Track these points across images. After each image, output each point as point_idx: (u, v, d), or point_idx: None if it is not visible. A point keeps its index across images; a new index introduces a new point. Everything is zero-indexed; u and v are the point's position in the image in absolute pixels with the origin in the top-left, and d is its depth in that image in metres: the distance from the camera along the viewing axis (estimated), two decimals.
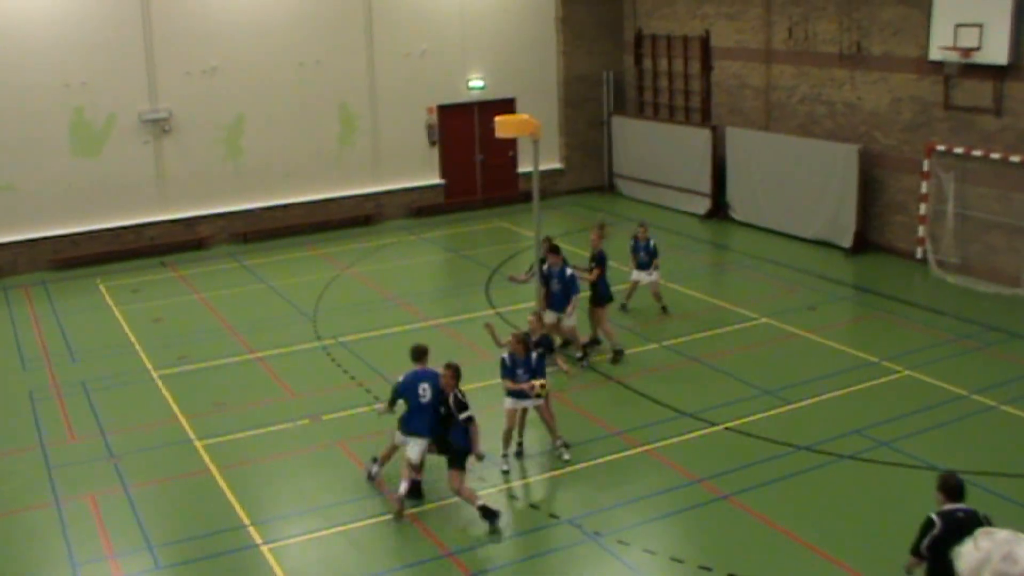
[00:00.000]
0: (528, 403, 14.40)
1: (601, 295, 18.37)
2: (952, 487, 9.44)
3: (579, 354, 18.00)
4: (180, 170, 26.58)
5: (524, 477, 14.36)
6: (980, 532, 4.58)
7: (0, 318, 21.91)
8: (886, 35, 23.55)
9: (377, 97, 28.67)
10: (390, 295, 22.48)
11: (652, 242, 20.31)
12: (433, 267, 25.95)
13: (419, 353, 13.74)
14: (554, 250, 17.74)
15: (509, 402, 14.45)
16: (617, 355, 18.13)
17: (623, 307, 20.51)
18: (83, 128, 25.37)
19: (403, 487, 13.25)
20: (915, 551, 9.34)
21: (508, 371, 14.31)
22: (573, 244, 25.99)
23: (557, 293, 17.62)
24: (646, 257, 20.28)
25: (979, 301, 20.81)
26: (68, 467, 14.95)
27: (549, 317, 17.45)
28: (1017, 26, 20.53)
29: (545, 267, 17.72)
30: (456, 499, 13.41)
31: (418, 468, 13.41)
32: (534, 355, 14.35)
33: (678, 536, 12.75)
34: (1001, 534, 7.30)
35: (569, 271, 17.59)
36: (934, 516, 9.29)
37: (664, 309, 20.43)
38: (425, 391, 13.25)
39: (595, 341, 18.58)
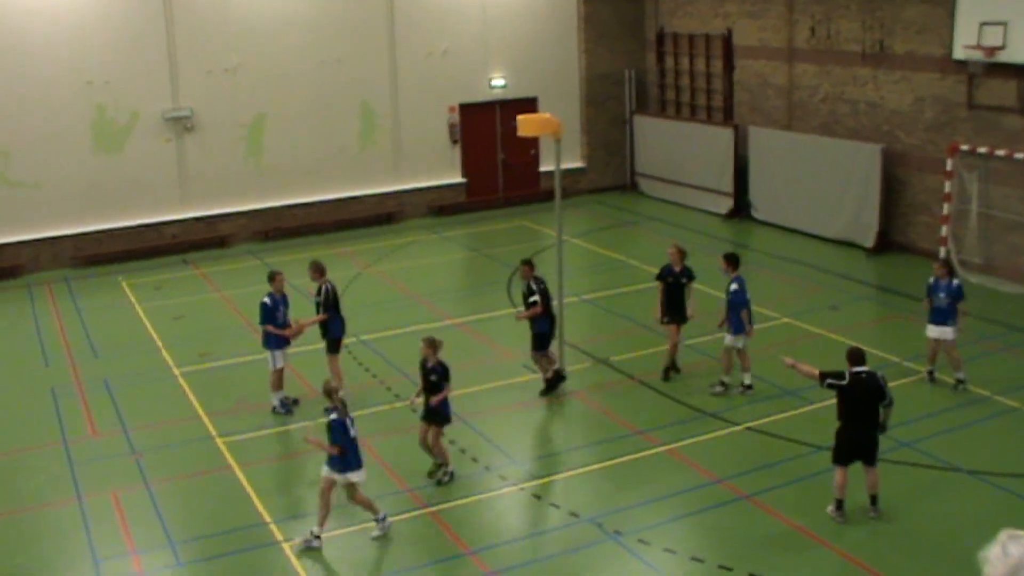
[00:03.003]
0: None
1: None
2: (858, 355, 12.71)
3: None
4: (202, 168, 26.67)
5: (545, 476, 14.34)
6: (1006, 536, 4.49)
7: (23, 315, 22.04)
8: (909, 34, 23.43)
9: (399, 96, 28.69)
10: (411, 293, 22.50)
11: (955, 282, 16.55)
12: (454, 266, 25.97)
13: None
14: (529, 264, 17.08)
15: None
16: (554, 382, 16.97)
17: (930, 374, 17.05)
18: (105, 126, 25.48)
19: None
20: (821, 376, 12.72)
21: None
22: (594, 243, 26.01)
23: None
24: (947, 302, 16.43)
25: (1002, 301, 20.69)
26: (90, 463, 15.02)
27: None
28: None
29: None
30: (477, 497, 13.45)
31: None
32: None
33: (699, 535, 12.72)
34: None
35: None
36: (847, 372, 12.56)
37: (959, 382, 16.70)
38: None
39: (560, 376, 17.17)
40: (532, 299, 16.52)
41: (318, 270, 16.79)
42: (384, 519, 12.76)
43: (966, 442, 14.75)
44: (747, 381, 16.62)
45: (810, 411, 15.88)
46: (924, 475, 13.92)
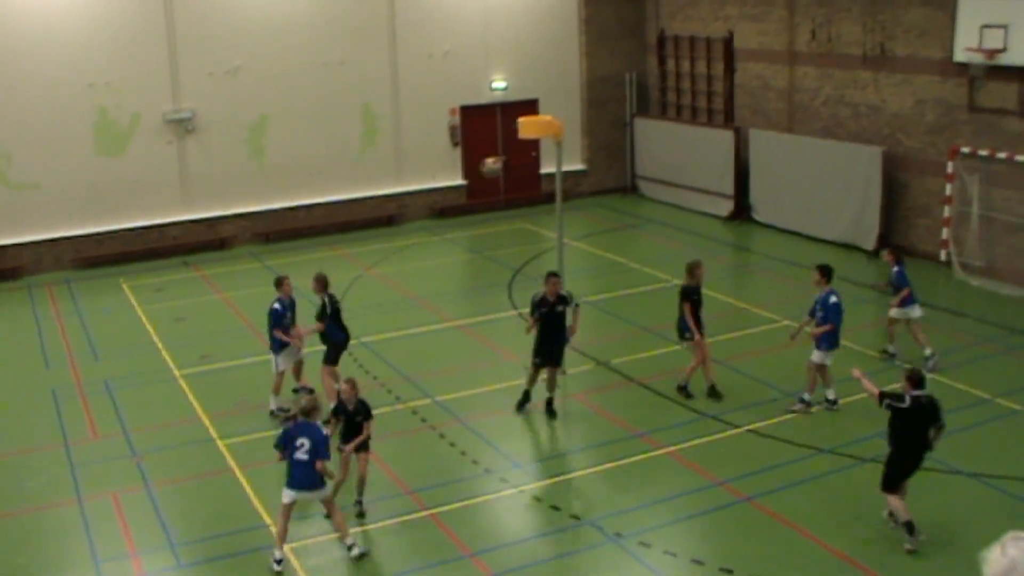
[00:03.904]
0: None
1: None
2: (918, 378, 12.28)
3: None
4: (203, 170, 26.68)
5: (546, 479, 14.33)
6: (1010, 537, 4.51)
7: (24, 317, 22.05)
8: (910, 37, 23.43)
9: (400, 98, 28.71)
10: (412, 295, 22.50)
11: (895, 269, 17.85)
12: (455, 268, 25.97)
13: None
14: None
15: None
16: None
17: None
18: (107, 128, 25.50)
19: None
20: (881, 396, 12.36)
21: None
22: (595, 246, 26.01)
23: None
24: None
25: (1003, 304, 20.68)
26: (91, 465, 15.03)
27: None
28: None
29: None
30: (478, 499, 13.48)
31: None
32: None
33: (700, 538, 12.72)
34: None
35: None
36: (907, 395, 12.17)
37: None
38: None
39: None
40: (566, 308, 16.13)
41: (319, 282, 16.72)
42: (280, 562, 12.28)
43: (967, 444, 14.73)
44: (831, 396, 16.03)
45: (811, 414, 15.87)
46: (925, 477, 13.87)
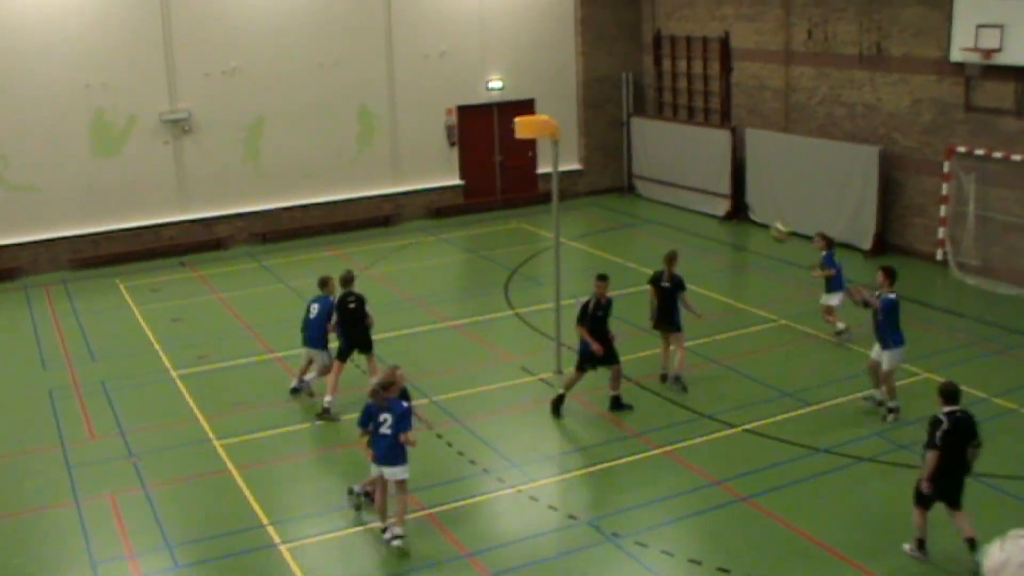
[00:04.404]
0: None
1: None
2: (952, 392, 11.57)
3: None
4: (200, 170, 26.68)
5: (543, 478, 14.33)
6: (1012, 533, 4.56)
7: (21, 318, 22.04)
8: (906, 36, 23.45)
9: (396, 98, 28.71)
10: (409, 296, 22.50)
11: (824, 253, 18.74)
12: (452, 268, 25.97)
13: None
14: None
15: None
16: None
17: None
18: (104, 129, 25.49)
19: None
20: (933, 444, 11.38)
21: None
22: (592, 246, 26.03)
23: None
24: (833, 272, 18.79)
25: (1000, 303, 20.71)
26: (88, 466, 15.02)
27: None
28: None
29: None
30: (475, 499, 13.49)
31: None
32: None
33: (697, 538, 12.73)
34: None
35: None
36: (941, 415, 11.43)
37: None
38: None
39: None
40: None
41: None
42: (385, 531, 12.66)
43: None
44: (879, 396, 15.80)
45: (808, 413, 15.91)
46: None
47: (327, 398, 16.23)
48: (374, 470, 12.73)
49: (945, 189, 22.59)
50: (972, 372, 16.97)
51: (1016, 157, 21.13)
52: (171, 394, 17.61)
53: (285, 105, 27.26)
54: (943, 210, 22.73)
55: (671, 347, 17.14)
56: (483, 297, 22.47)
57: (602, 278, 15.98)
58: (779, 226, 16.64)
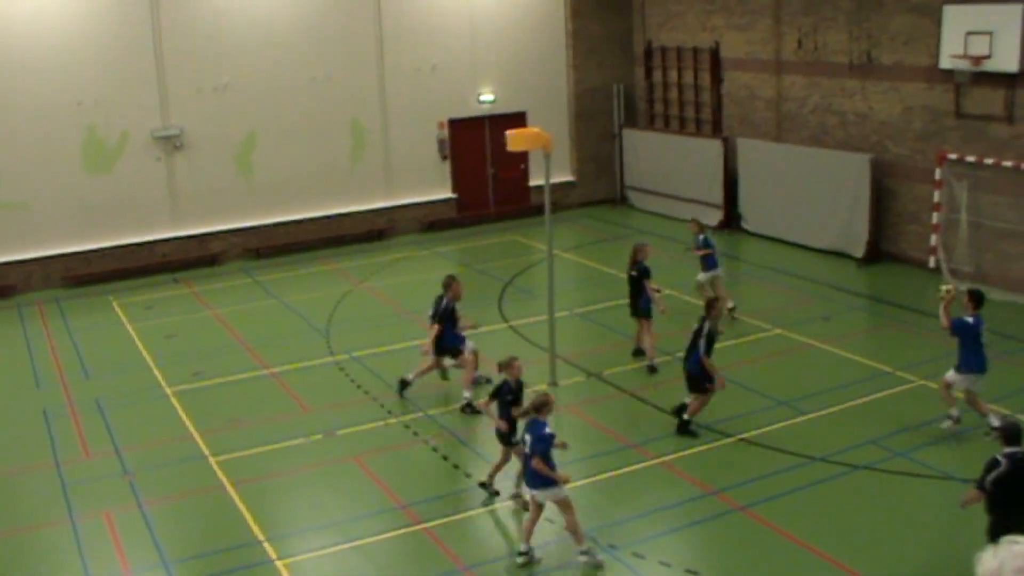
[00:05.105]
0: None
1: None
2: (1013, 434, 10.74)
3: None
4: (192, 187, 26.65)
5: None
6: (1006, 539, 4.57)
7: (14, 336, 21.99)
8: (896, 44, 23.52)
9: (388, 112, 28.72)
10: (403, 310, 22.49)
11: (701, 236, 20.47)
12: None
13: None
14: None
15: None
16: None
17: None
18: (96, 146, 25.47)
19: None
20: (979, 486, 10.61)
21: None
22: (585, 257, 26.03)
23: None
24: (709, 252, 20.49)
25: (993, 310, 20.64)
26: (83, 484, 14.97)
27: None
28: None
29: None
30: (471, 512, 13.45)
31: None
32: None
33: (694, 548, 12.72)
34: (1020, 546, 7.28)
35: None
36: (1000, 457, 10.58)
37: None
38: None
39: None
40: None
41: (445, 284, 17.38)
42: (522, 554, 12.43)
43: (960, 450, 14.76)
44: (954, 413, 15.33)
45: (803, 422, 15.90)
46: (919, 484, 13.93)
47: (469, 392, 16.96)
48: (525, 491, 12.73)
49: (937, 196, 22.62)
50: None
51: (1007, 163, 21.17)
52: (166, 411, 17.57)
53: (277, 120, 27.27)
54: (935, 217, 22.76)
55: (642, 332, 18.60)
56: (477, 310, 22.39)
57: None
58: (946, 290, 16.32)
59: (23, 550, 13.33)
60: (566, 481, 12.36)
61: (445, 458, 15.20)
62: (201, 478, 15.02)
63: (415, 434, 16.08)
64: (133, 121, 25.74)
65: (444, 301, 17.08)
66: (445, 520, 13.49)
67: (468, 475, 14.65)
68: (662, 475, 14.50)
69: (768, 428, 15.69)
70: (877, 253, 24.16)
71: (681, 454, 15.02)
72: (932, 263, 22.88)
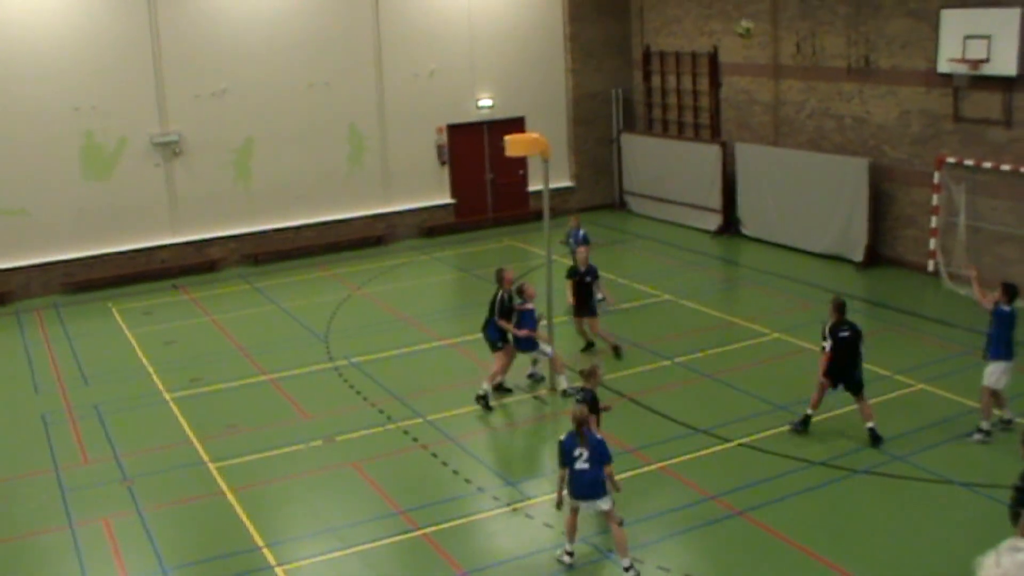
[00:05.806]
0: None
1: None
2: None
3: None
4: (191, 192, 26.67)
5: (538, 496, 14.29)
6: (1006, 546, 4.53)
7: (13, 342, 21.99)
8: (894, 48, 23.54)
9: (386, 117, 28.75)
10: (402, 315, 22.49)
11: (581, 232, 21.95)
12: (444, 286, 25.96)
13: None
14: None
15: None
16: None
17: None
18: (94, 152, 25.48)
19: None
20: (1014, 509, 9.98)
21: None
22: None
23: None
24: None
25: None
26: (82, 490, 14.97)
27: None
28: None
29: None
30: (471, 518, 13.44)
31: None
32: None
33: (693, 553, 12.70)
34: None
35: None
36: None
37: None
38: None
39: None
40: None
41: (497, 278, 17.69)
42: (570, 555, 12.41)
43: (958, 454, 14.75)
44: (1007, 415, 15.36)
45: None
46: (917, 488, 13.92)
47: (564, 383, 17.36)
48: (572, 503, 12.32)
49: (935, 200, 22.64)
50: (965, 382, 16.93)
51: (1005, 167, 21.20)
52: (165, 417, 17.56)
53: (275, 126, 27.29)
54: (934, 221, 22.78)
55: (585, 327, 19.28)
56: (476, 315, 22.35)
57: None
58: (744, 23, 16.82)
59: (22, 556, 13.32)
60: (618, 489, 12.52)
61: (445, 464, 15.19)
62: (200, 484, 15.01)
63: (414, 440, 16.08)
64: (131, 127, 25.76)
65: (500, 294, 17.28)
66: (445, 526, 13.48)
67: (468, 480, 14.64)
68: (661, 480, 14.50)
69: (767, 432, 15.69)
70: (875, 257, 24.17)
71: (679, 459, 15.00)
72: (931, 267, 22.89)
